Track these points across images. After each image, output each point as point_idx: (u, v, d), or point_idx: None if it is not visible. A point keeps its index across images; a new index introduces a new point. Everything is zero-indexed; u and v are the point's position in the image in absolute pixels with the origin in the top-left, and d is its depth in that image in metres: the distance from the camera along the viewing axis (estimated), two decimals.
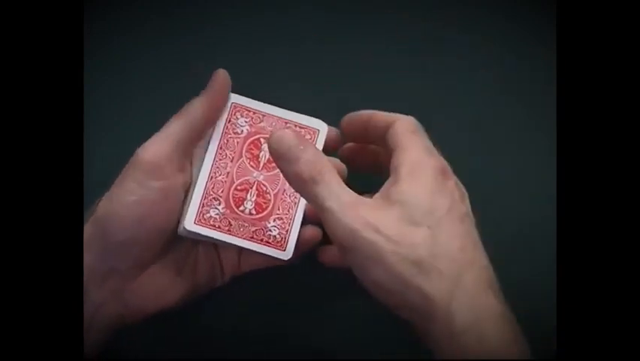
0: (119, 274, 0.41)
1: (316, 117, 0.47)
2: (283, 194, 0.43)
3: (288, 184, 0.40)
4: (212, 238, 0.42)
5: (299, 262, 0.46)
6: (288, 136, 0.37)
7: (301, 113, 0.47)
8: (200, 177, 0.42)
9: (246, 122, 0.43)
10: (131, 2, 0.56)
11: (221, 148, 0.43)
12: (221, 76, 0.43)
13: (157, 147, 0.40)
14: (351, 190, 0.38)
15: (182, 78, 0.55)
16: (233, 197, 0.42)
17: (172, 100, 0.55)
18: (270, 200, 0.43)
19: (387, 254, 0.36)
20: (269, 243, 0.42)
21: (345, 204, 0.37)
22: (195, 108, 0.42)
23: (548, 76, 0.50)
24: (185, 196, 0.42)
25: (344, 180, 0.39)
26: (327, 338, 0.50)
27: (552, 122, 0.42)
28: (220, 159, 0.43)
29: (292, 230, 0.43)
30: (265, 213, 0.43)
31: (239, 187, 0.42)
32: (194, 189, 0.42)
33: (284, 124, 0.44)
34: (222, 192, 0.42)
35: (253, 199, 0.43)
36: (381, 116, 0.43)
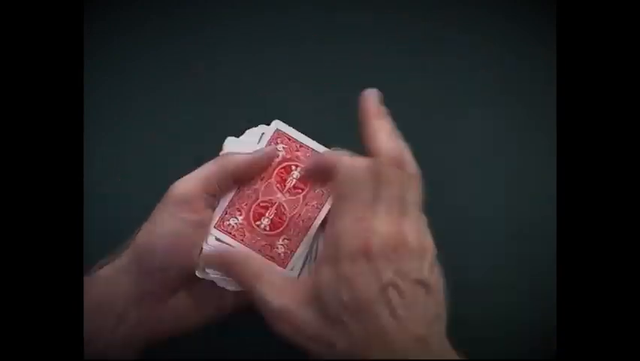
0: (153, 297, 0.44)
1: (316, 117, 0.47)
2: (297, 218, 0.46)
3: (304, 210, 0.45)
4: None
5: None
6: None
7: (301, 113, 0.47)
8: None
9: (283, 148, 0.46)
10: (131, 2, 0.56)
11: None
12: (273, 151, 0.46)
13: (186, 185, 0.44)
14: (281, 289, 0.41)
15: (182, 78, 0.55)
16: (254, 211, 0.45)
17: (172, 100, 0.56)
18: (285, 221, 0.46)
19: (310, 349, 0.39)
20: (272, 258, 0.45)
21: (272, 313, 0.40)
22: (234, 159, 0.45)
23: (548, 76, 0.50)
24: None
25: None
26: None
27: (552, 122, 0.42)
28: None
29: (297, 252, 0.45)
30: (277, 231, 0.46)
31: (261, 204, 0.45)
32: (221, 199, 0.45)
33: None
34: (245, 205, 0.45)
35: (271, 217, 0.46)
36: (371, 144, 0.42)
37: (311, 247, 0.46)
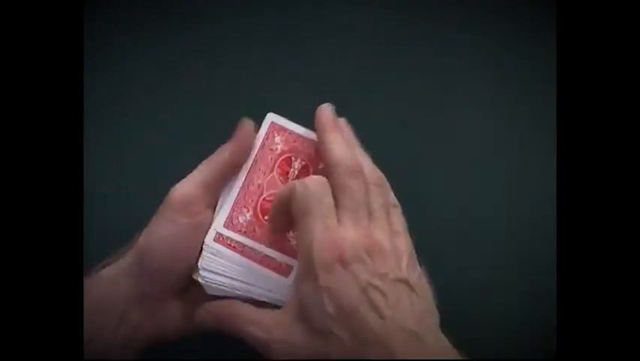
0: (153, 300, 0.44)
1: None
2: None
3: None
4: (231, 253, 0.45)
5: None
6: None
7: (301, 113, 0.47)
8: (233, 187, 0.46)
9: (281, 140, 0.46)
10: (131, 2, 0.56)
11: (256, 162, 0.46)
12: (247, 126, 0.46)
13: (185, 188, 0.44)
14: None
15: (182, 78, 0.55)
16: (260, 206, 0.45)
17: (172, 100, 0.56)
18: None
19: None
20: (285, 251, 0.45)
21: (267, 349, 0.41)
22: (222, 154, 0.45)
23: (548, 76, 0.50)
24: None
25: None
26: None
27: (552, 122, 0.42)
28: (254, 172, 0.46)
29: None
30: None
31: (267, 198, 0.45)
32: (225, 198, 0.45)
33: (314, 146, 0.46)
34: (252, 201, 0.45)
35: None
36: (327, 157, 0.43)
37: None
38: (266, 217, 0.45)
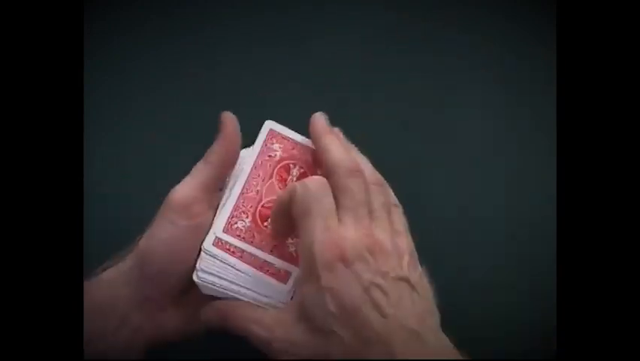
0: (153, 303, 0.44)
1: None
2: None
3: None
4: (231, 258, 0.45)
5: None
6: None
7: (301, 113, 0.47)
8: (232, 193, 0.46)
9: (279, 147, 0.47)
10: (131, 2, 0.56)
11: (255, 168, 0.46)
12: (230, 121, 0.46)
13: (185, 190, 0.44)
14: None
15: (182, 78, 0.55)
16: (259, 213, 0.45)
17: (172, 100, 0.56)
18: None
19: None
20: (284, 257, 0.45)
21: (269, 347, 0.41)
22: (214, 153, 0.45)
23: (548, 76, 0.50)
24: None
25: None
26: None
27: (552, 122, 0.42)
28: (253, 178, 0.46)
29: None
30: None
31: (266, 205, 0.45)
32: (224, 203, 0.46)
33: (313, 153, 0.47)
34: (251, 207, 0.46)
35: None
36: (326, 160, 0.43)
37: None
38: (265, 223, 0.45)
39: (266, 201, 0.46)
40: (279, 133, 0.47)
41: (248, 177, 0.46)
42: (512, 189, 0.54)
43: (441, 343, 0.39)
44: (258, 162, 0.46)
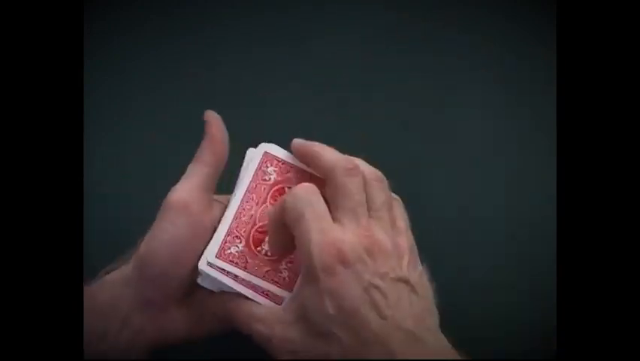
0: (155, 305, 0.44)
1: (316, 117, 0.47)
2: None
3: None
4: (226, 278, 0.45)
5: None
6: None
7: (301, 113, 0.47)
8: (225, 217, 0.45)
9: (274, 170, 0.46)
10: (131, 2, 0.56)
11: (249, 192, 0.46)
12: (213, 117, 0.46)
13: (184, 190, 0.44)
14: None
15: (182, 78, 0.55)
16: (253, 237, 0.45)
17: (172, 100, 0.56)
18: None
19: None
20: (277, 283, 0.44)
21: (269, 344, 0.41)
22: (204, 152, 0.45)
23: (548, 76, 0.50)
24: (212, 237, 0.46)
25: None
26: None
27: (552, 122, 0.42)
28: (246, 202, 0.46)
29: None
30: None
31: (259, 229, 0.45)
32: (219, 227, 0.45)
33: (309, 177, 0.46)
34: (244, 231, 0.45)
35: None
36: (322, 164, 0.43)
37: None
38: (258, 248, 0.45)
39: (260, 225, 0.45)
40: (274, 156, 0.46)
41: (241, 201, 0.45)
42: (512, 189, 0.54)
43: (440, 343, 0.39)
44: (252, 185, 0.46)
